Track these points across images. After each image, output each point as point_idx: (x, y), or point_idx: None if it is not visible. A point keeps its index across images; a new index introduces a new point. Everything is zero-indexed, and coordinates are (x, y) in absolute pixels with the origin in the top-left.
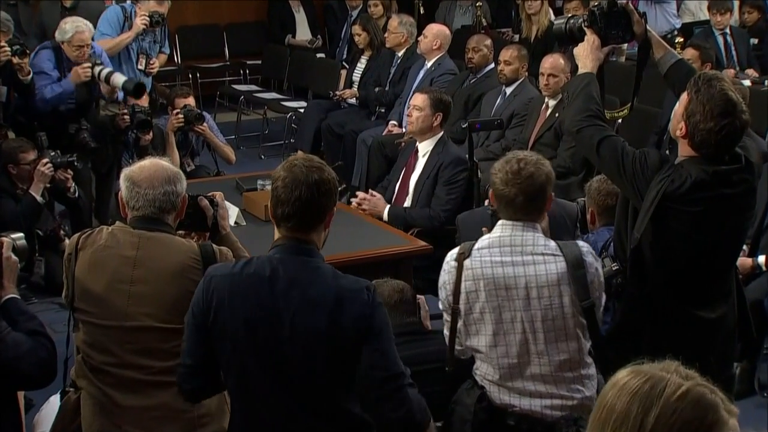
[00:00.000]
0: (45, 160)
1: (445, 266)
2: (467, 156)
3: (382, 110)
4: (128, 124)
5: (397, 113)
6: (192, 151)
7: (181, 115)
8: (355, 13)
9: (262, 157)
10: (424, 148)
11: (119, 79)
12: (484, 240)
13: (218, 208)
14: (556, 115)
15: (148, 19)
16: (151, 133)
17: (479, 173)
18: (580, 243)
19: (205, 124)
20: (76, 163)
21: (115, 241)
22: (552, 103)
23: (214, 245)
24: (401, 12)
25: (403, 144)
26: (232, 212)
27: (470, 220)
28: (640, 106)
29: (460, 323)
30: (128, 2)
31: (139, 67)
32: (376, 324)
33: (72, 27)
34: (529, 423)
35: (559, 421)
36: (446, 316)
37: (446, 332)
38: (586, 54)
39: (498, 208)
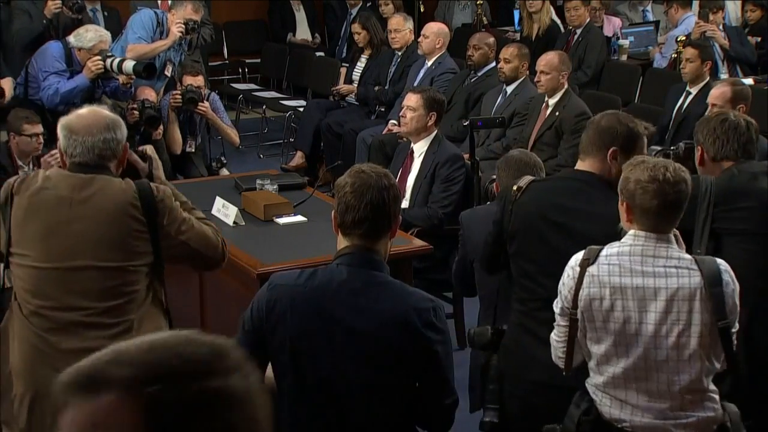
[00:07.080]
0: (54, 152)
1: (568, 271)
2: (468, 154)
3: (382, 109)
4: (137, 119)
5: (396, 112)
6: (194, 132)
7: (179, 96)
8: (354, 12)
9: (261, 156)
10: (420, 148)
11: (130, 64)
12: (613, 247)
13: (151, 160)
14: (557, 113)
15: (183, 26)
16: (161, 129)
17: (480, 172)
18: (719, 260)
19: (206, 104)
20: None
21: (51, 183)
22: (552, 102)
23: (152, 183)
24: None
25: (403, 140)
26: (231, 212)
27: (475, 217)
28: (642, 105)
29: (579, 332)
30: (159, 9)
31: (166, 73)
32: (440, 348)
33: (95, 36)
34: None
35: None
36: (560, 320)
37: (554, 336)
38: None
39: (633, 217)
